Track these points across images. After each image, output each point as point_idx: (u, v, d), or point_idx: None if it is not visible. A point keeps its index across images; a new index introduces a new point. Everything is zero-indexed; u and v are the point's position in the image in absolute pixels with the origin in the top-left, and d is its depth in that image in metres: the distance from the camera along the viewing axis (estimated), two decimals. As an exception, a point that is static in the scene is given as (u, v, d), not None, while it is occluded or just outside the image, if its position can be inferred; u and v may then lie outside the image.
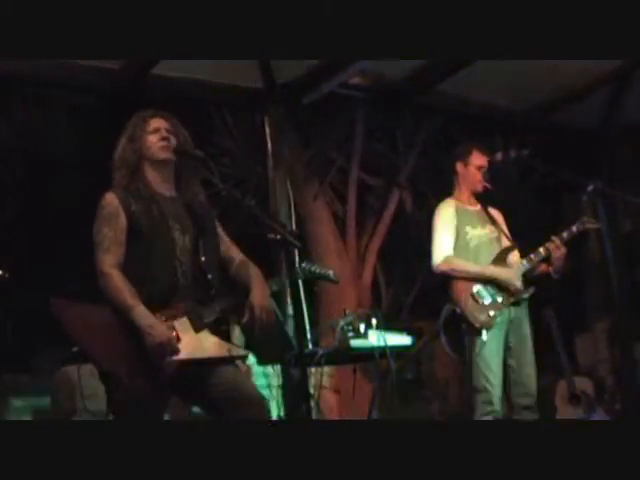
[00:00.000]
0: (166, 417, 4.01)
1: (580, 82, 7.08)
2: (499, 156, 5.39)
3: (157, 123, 3.81)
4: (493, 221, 5.49)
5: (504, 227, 5.56)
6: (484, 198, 5.55)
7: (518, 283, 5.27)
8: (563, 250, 5.26)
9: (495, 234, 5.45)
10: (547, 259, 5.33)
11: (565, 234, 5.31)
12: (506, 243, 5.46)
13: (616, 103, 7.67)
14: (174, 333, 3.53)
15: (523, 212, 5.67)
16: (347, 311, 5.44)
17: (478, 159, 5.45)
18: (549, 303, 6.72)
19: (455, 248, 5.33)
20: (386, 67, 6.50)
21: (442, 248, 5.33)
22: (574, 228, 5.31)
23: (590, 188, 4.94)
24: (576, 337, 8.73)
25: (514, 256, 5.41)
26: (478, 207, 5.52)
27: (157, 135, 3.78)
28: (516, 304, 5.31)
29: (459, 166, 5.51)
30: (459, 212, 5.42)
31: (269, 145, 6.49)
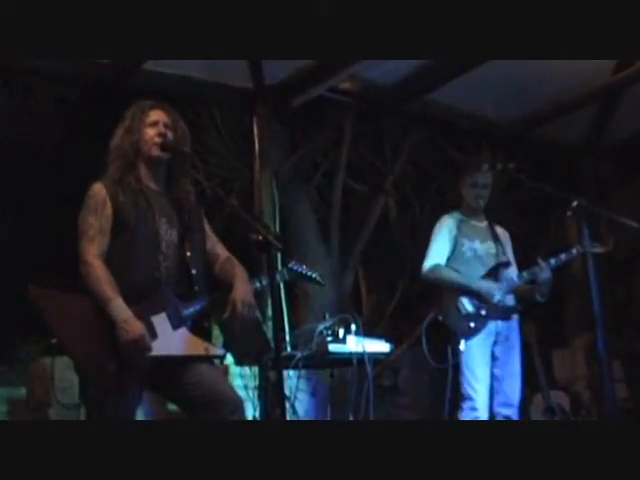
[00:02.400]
0: (142, 412, 4.00)
1: (567, 98, 7.10)
2: (485, 168, 5.43)
3: (156, 116, 3.79)
4: (496, 239, 5.52)
5: (507, 246, 5.59)
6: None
7: (498, 296, 5.28)
8: (549, 274, 5.27)
9: (494, 250, 5.47)
10: (533, 281, 5.35)
11: (563, 256, 5.33)
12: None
13: (602, 120, 7.70)
14: (151, 328, 3.51)
15: (506, 225, 5.67)
16: (327, 315, 5.44)
17: (471, 177, 5.48)
18: (529, 317, 6.75)
19: (450, 258, 5.40)
20: (375, 73, 6.50)
21: (432, 257, 5.41)
22: (574, 251, 5.32)
23: (574, 204, 4.96)
24: (554, 351, 8.75)
25: (509, 272, 5.43)
26: (484, 223, 5.57)
27: (155, 129, 3.75)
28: (504, 318, 5.34)
29: (460, 184, 5.56)
30: (461, 224, 5.48)
31: (256, 146, 6.48)
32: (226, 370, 6.10)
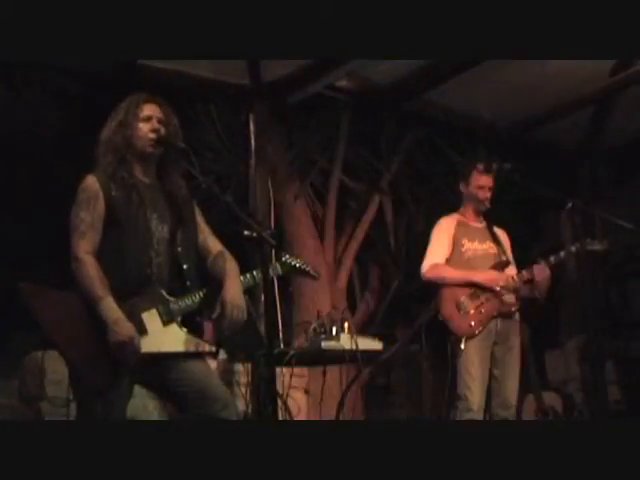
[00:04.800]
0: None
1: (564, 100, 7.11)
2: (481, 168, 5.44)
3: (150, 110, 3.77)
4: (495, 239, 5.54)
5: (506, 247, 5.60)
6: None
7: (501, 283, 5.29)
8: (547, 272, 5.29)
9: (493, 251, 5.50)
10: (530, 281, 5.37)
11: (562, 253, 5.34)
12: None
13: (599, 122, 7.72)
14: (141, 325, 3.51)
15: (500, 225, 5.69)
16: (320, 313, 5.44)
17: (478, 179, 5.48)
18: (523, 317, 6.75)
19: (450, 259, 5.42)
20: (373, 72, 6.50)
21: (432, 256, 5.44)
22: (573, 248, 5.32)
23: (569, 206, 4.97)
24: (547, 353, 8.76)
25: (509, 271, 5.44)
26: (483, 225, 5.58)
27: (148, 124, 3.73)
28: (505, 317, 5.35)
29: (462, 186, 5.57)
30: (460, 226, 5.51)
31: (252, 142, 6.48)
32: (220, 367, 6.10)
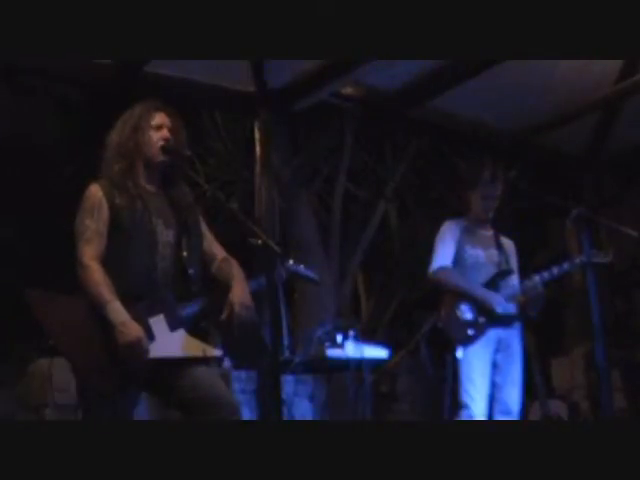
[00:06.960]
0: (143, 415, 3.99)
1: (569, 107, 7.11)
2: (487, 176, 5.42)
3: (161, 119, 3.78)
4: (499, 247, 5.50)
5: (512, 256, 5.57)
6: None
7: (500, 309, 5.26)
8: (540, 290, 5.26)
9: (496, 259, 5.45)
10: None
11: (566, 265, 5.32)
12: None
13: (604, 130, 7.71)
14: (148, 330, 3.51)
15: (505, 233, 5.67)
16: (325, 320, 5.44)
17: (484, 187, 5.45)
18: (528, 325, 6.75)
19: (453, 263, 5.37)
20: (378, 79, 6.51)
21: (440, 258, 5.37)
22: (577, 260, 5.30)
23: (575, 213, 4.95)
24: (553, 360, 8.75)
25: (511, 280, 5.42)
26: (489, 232, 5.54)
27: (159, 133, 3.75)
28: (504, 326, 5.33)
29: (468, 194, 5.53)
30: (465, 230, 5.45)
31: (257, 150, 6.48)
32: (226, 376, 6.09)
